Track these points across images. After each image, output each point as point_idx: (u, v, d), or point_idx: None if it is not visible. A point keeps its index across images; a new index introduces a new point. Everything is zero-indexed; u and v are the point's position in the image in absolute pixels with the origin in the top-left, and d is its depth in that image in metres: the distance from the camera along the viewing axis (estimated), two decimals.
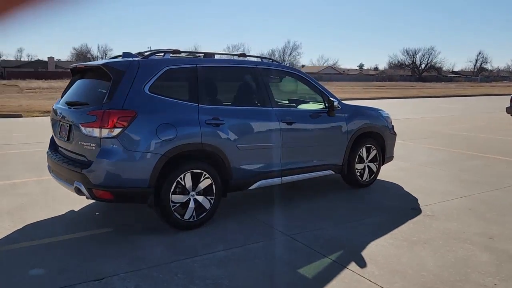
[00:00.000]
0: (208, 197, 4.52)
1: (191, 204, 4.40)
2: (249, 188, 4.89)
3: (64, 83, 50.67)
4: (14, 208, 5.15)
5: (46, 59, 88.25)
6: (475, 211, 5.11)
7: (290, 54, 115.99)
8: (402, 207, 5.30)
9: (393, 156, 6.68)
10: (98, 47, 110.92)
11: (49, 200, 5.44)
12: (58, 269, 3.53)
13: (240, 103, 4.99)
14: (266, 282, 3.35)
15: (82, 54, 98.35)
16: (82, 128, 4.08)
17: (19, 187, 6.08)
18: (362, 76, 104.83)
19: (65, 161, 4.40)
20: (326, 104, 5.57)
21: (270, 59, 5.61)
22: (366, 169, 6.13)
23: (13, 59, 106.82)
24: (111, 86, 4.08)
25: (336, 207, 5.30)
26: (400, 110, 20.63)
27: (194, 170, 4.38)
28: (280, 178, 5.13)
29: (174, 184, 4.26)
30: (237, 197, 5.58)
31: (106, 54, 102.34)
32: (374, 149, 6.17)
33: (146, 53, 4.65)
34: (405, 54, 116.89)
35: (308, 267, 3.62)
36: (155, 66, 4.34)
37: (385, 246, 4.05)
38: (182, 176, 4.30)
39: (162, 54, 4.61)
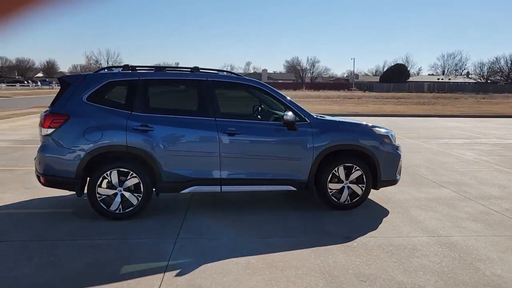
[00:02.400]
0: (136, 194, 5.12)
1: (117, 198, 5.08)
2: (182, 192, 5.25)
3: None
4: None
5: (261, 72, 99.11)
6: (414, 253, 4.25)
7: None
8: (339, 234, 4.78)
9: (395, 180, 5.87)
10: (307, 59, 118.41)
11: None
12: None
13: (177, 113, 5.37)
14: (67, 265, 3.80)
15: (292, 66, 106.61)
16: (38, 128, 5.26)
17: None
18: None
19: None
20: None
21: (229, 72, 5.77)
22: (346, 190, 5.62)
23: (242, 71, 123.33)
24: (57, 94, 5.14)
25: (272, 223, 5.13)
26: None
27: (121, 169, 5.05)
28: (219, 186, 5.30)
29: (100, 178, 5.02)
30: (196, 198, 5.98)
31: (314, 66, 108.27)
32: (358, 170, 5.59)
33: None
34: None
35: (128, 266, 3.89)
36: (96, 79, 5.19)
37: (224, 265, 3.92)
38: (108, 172, 5.03)
39: (113, 69, 5.43)
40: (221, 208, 5.72)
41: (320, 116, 5.95)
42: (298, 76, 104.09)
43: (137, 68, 5.44)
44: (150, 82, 5.34)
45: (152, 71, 5.47)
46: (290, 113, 5.32)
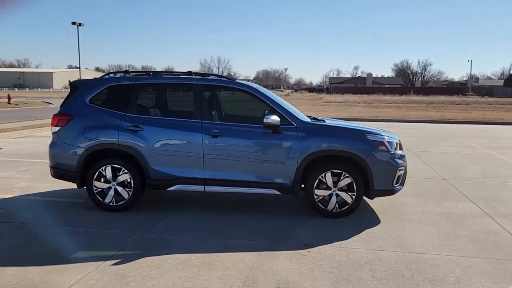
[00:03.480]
0: (127, 189, 5.55)
1: (111, 192, 5.57)
2: (168, 189, 5.55)
3: (372, 97, 54.05)
4: None
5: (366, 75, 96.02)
6: (362, 266, 3.99)
7: None
8: (302, 241, 4.64)
9: (392, 190, 5.49)
10: (419, 62, 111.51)
11: None
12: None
13: (166, 114, 5.67)
14: (35, 246, 4.29)
15: (401, 70, 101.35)
16: None
17: None
18: None
19: None
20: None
21: (221, 76, 5.88)
22: (334, 197, 5.41)
23: (349, 76, 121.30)
24: (66, 97, 5.79)
25: (246, 225, 5.17)
26: None
27: (114, 165, 5.53)
28: (203, 186, 5.49)
29: (97, 173, 5.55)
30: (197, 196, 6.23)
31: (425, 69, 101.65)
32: (348, 177, 5.36)
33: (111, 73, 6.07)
34: None
35: (80, 253, 4.27)
36: (99, 83, 5.74)
37: (163, 259, 4.09)
38: (103, 167, 5.53)
39: (114, 73, 5.93)
40: (212, 207, 5.90)
41: (315, 120, 5.82)
42: (407, 80, 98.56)
43: (138, 72, 5.89)
44: (145, 86, 5.76)
45: (149, 76, 5.87)
46: (272, 117, 5.29)
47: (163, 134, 5.48)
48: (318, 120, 6.11)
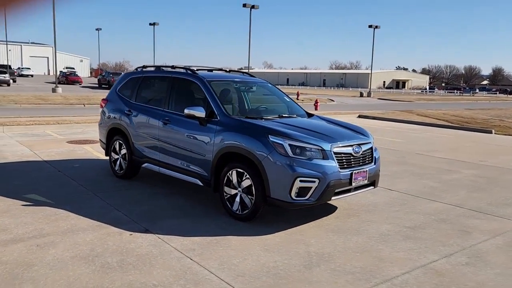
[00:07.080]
0: (124, 162, 6.89)
1: (118, 162, 7.04)
2: (142, 166, 6.51)
3: None
4: None
5: None
6: (103, 256, 4.00)
7: None
8: (149, 225, 4.80)
9: (288, 202, 4.67)
10: None
11: None
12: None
13: (147, 102, 6.49)
14: (35, 185, 6.19)
15: None
16: None
17: None
18: None
19: None
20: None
21: (187, 68, 6.14)
22: (238, 198, 5.08)
23: None
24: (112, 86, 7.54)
25: (174, 206, 5.58)
26: None
27: (119, 141, 6.95)
28: (158, 167, 6.19)
29: (112, 146, 7.12)
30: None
31: None
32: (248, 178, 4.93)
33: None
34: None
35: (48, 201, 5.90)
36: (125, 76, 7.21)
37: (59, 212, 5.21)
38: (115, 142, 7.05)
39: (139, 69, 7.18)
40: (184, 189, 6.44)
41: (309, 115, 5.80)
42: None
43: (150, 67, 7.06)
44: (145, 78, 6.86)
45: (152, 70, 6.91)
46: (194, 108, 5.43)
47: (140, 118, 6.49)
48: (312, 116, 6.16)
